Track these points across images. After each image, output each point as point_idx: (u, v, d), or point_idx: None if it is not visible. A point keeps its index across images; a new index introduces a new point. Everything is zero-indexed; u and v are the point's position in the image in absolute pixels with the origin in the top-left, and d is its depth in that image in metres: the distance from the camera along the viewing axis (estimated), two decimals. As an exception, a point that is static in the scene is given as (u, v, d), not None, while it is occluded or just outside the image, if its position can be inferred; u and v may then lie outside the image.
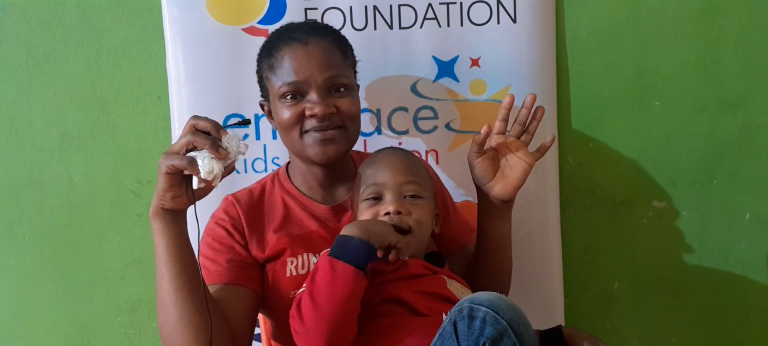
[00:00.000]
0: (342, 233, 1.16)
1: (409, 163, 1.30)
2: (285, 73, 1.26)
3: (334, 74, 1.27)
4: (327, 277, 1.10)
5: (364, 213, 1.25)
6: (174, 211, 1.11)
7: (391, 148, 1.38)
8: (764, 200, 1.69)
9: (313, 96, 1.26)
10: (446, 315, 1.02)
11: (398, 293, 1.17)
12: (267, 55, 1.31)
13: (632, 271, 1.73)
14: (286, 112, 1.27)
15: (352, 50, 1.36)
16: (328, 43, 1.29)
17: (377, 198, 1.25)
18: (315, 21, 1.54)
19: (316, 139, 1.27)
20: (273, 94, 1.30)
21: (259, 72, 1.35)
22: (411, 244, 1.22)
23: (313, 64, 1.26)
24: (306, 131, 1.28)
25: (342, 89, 1.29)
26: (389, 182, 1.25)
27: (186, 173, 1.07)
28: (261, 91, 1.36)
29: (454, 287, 1.23)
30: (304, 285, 1.15)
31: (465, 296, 1.22)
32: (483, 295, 1.01)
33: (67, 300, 1.71)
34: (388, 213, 1.23)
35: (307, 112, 1.26)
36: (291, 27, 1.34)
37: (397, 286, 1.19)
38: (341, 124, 1.28)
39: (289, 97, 1.27)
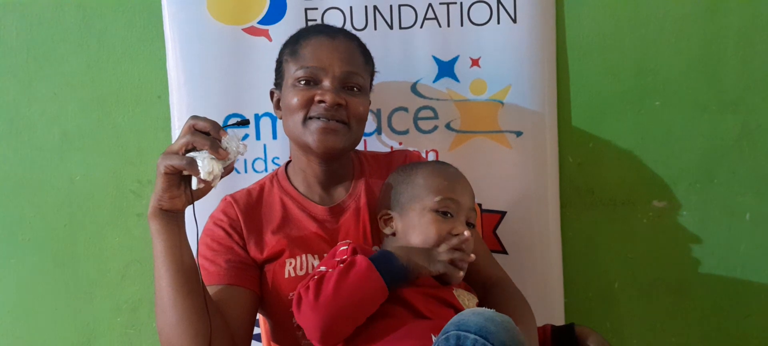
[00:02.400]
0: (393, 249, 1.19)
1: (471, 188, 1.30)
2: (305, 58, 1.29)
3: (352, 71, 1.29)
4: (361, 276, 1.12)
5: (430, 225, 1.22)
6: (172, 211, 1.11)
7: (450, 165, 1.32)
8: (764, 200, 1.69)
9: (326, 84, 1.28)
10: (435, 337, 0.99)
11: (402, 293, 1.17)
12: (292, 42, 1.34)
13: (632, 271, 1.72)
14: (295, 97, 1.28)
15: (374, 62, 1.39)
16: (353, 44, 1.34)
17: (448, 214, 1.23)
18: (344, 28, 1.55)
19: (318, 127, 1.27)
20: (288, 78, 1.31)
21: (279, 59, 1.37)
22: (461, 277, 1.21)
23: (334, 56, 1.29)
24: (310, 118, 1.28)
25: (355, 89, 1.30)
26: (464, 204, 1.24)
27: (185, 173, 1.07)
28: (275, 78, 1.37)
29: (460, 294, 1.22)
30: (324, 267, 1.16)
31: (471, 303, 1.22)
32: (471, 317, 0.95)
33: (67, 300, 1.71)
34: (457, 235, 1.20)
35: (317, 98, 1.27)
36: (321, 24, 1.41)
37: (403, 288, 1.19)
38: (346, 121, 1.29)
39: (303, 82, 1.28)
